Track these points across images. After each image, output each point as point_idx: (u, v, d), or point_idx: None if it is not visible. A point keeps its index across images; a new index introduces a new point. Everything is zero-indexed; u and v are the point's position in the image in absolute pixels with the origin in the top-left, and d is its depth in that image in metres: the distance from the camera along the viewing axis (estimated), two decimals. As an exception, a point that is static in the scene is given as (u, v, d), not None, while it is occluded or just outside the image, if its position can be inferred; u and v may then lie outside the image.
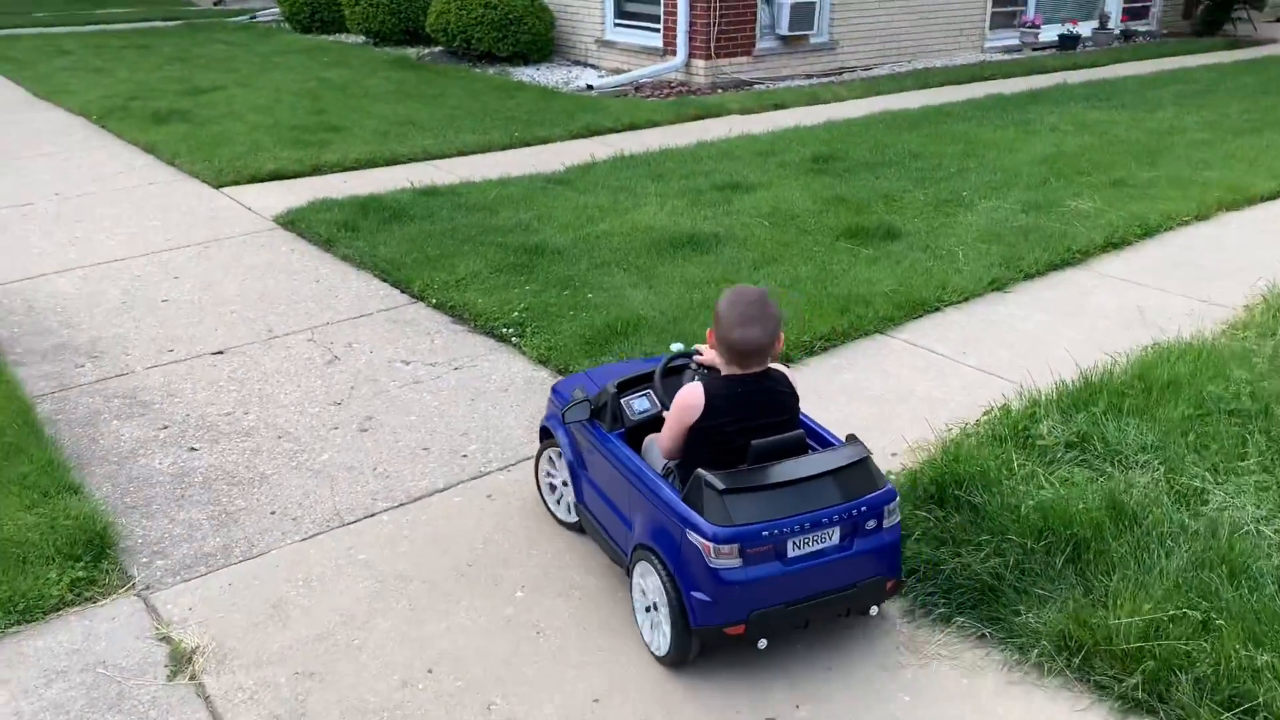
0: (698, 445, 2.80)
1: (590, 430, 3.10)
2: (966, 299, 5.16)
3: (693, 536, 2.58)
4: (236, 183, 7.47)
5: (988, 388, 4.25)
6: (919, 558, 3.05)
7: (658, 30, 11.71)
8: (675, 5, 11.20)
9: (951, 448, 3.48)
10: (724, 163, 7.80)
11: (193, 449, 3.88)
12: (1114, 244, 5.95)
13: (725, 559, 2.54)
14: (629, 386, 3.13)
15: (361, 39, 14.73)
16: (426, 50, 13.61)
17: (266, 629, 2.91)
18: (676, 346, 4.20)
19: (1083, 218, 6.30)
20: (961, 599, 2.93)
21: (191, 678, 2.72)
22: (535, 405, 4.16)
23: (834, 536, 2.64)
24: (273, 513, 3.46)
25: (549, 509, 3.44)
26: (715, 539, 2.54)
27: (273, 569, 3.17)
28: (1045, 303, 5.17)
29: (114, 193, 7.31)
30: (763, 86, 11.29)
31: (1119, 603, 2.75)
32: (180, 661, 2.77)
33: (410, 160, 8.13)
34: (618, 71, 11.99)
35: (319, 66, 12.43)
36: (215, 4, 21.46)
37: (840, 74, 12.12)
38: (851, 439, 2.83)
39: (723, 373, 2.84)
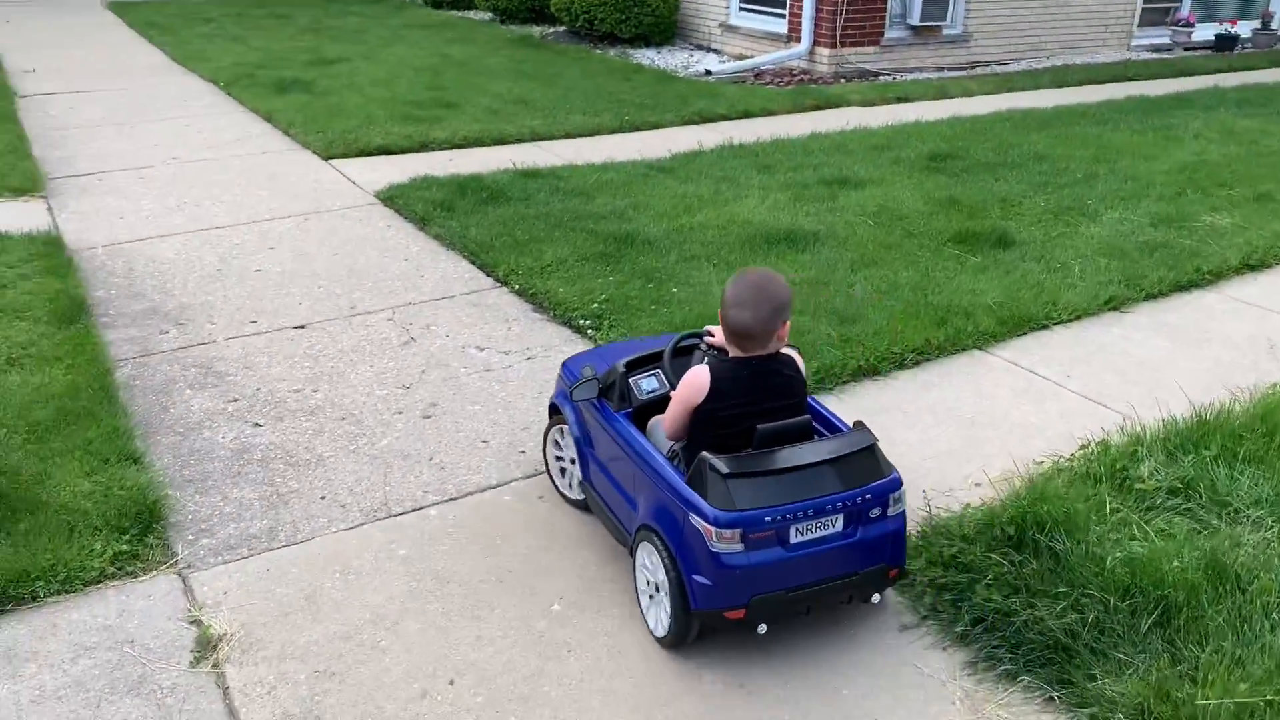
0: (702, 427, 2.76)
1: (598, 409, 3.08)
2: (1078, 317, 4.80)
3: (695, 520, 2.56)
4: (345, 155, 7.53)
5: (1089, 417, 3.92)
6: (988, 605, 2.79)
7: (782, 16, 11.40)
8: (802, -9, 10.87)
9: (1038, 484, 3.20)
10: (835, 156, 7.51)
11: (257, 425, 3.86)
12: (1250, 266, 5.47)
13: (727, 543, 2.53)
14: (638, 366, 3.12)
15: (489, 16, 14.81)
16: (551, 29, 13.58)
17: (296, 621, 2.85)
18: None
19: (1218, 235, 5.81)
20: (1030, 656, 2.67)
21: (214, 666, 2.68)
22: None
23: (838, 523, 2.61)
24: (323, 498, 3.41)
25: (555, 486, 3.42)
26: (717, 523, 2.52)
27: (313, 557, 3.11)
28: (1165, 327, 4.77)
29: (228, 159, 7.45)
30: (888, 78, 10.87)
31: (1210, 679, 2.45)
32: (206, 648, 2.73)
33: (518, 140, 8.07)
34: (740, 57, 11.72)
35: (443, 42, 12.52)
36: (356, -23, 21.92)
37: (973, 68, 11.59)
38: (859, 425, 2.79)
39: (729, 355, 2.80)
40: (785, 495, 2.56)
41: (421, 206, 6.14)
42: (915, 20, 11.13)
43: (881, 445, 2.76)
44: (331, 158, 7.49)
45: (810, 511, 2.56)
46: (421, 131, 8.03)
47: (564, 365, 3.44)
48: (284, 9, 15.56)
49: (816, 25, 10.94)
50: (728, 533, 2.52)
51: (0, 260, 5.27)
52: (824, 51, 10.94)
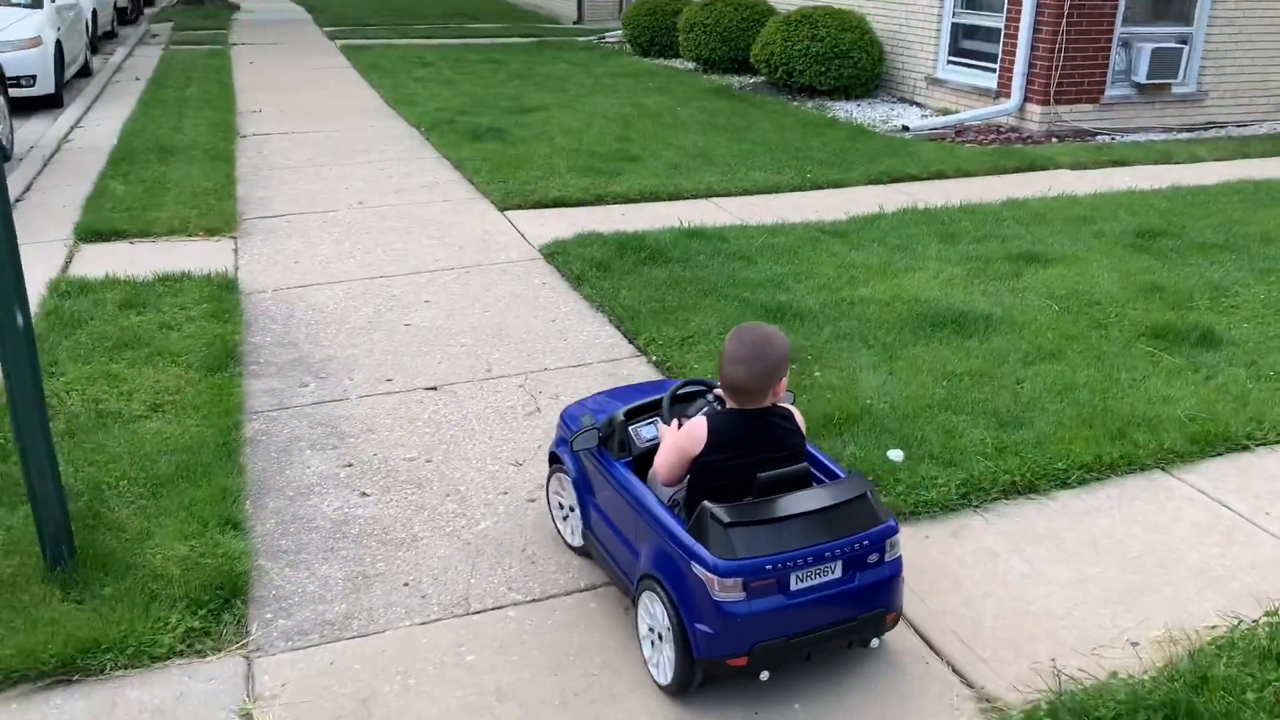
0: (701, 477, 2.82)
1: (598, 458, 3.12)
2: (1291, 439, 4.12)
3: (697, 569, 2.59)
4: (520, 207, 7.57)
5: (1289, 570, 3.30)
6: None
7: (992, 70, 10.77)
8: (1015, 44, 10.24)
9: (1202, 659, 2.67)
10: (1029, 227, 6.92)
11: (364, 494, 3.80)
12: None
13: (729, 592, 2.55)
14: (637, 414, 3.17)
15: (693, 65, 14.82)
16: (750, 80, 13.42)
17: (345, 726, 2.70)
18: (895, 455, 3.61)
19: None
20: None
21: (251, 768, 2.56)
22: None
23: (836, 570, 2.65)
24: (406, 584, 3.28)
25: (558, 531, 3.49)
26: (719, 572, 2.55)
27: (378, 654, 2.96)
28: (1405, 458, 4.02)
29: (409, 206, 7.64)
30: (1105, 139, 10.06)
31: None
32: (247, 747, 2.62)
33: (692, 196, 7.90)
34: (944, 112, 11.16)
35: (641, 91, 12.58)
36: (575, 22, 22.58)
37: (1205, 130, 10.57)
38: (854, 473, 2.85)
39: (727, 406, 2.88)
40: (785, 543, 2.60)
41: (579, 265, 6.04)
42: (1141, 77, 10.26)
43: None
44: (507, 208, 7.54)
45: (810, 559, 2.60)
46: (599, 185, 7.99)
47: (563, 414, 3.47)
48: (500, 54, 16.13)
49: (1029, 80, 10.27)
50: (729, 581, 2.54)
51: (175, 301, 5.52)
52: (1035, 108, 10.24)
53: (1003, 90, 10.57)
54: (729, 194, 7.97)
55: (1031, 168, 8.86)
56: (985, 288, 5.69)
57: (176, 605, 3.05)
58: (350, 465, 4.00)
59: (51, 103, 11.90)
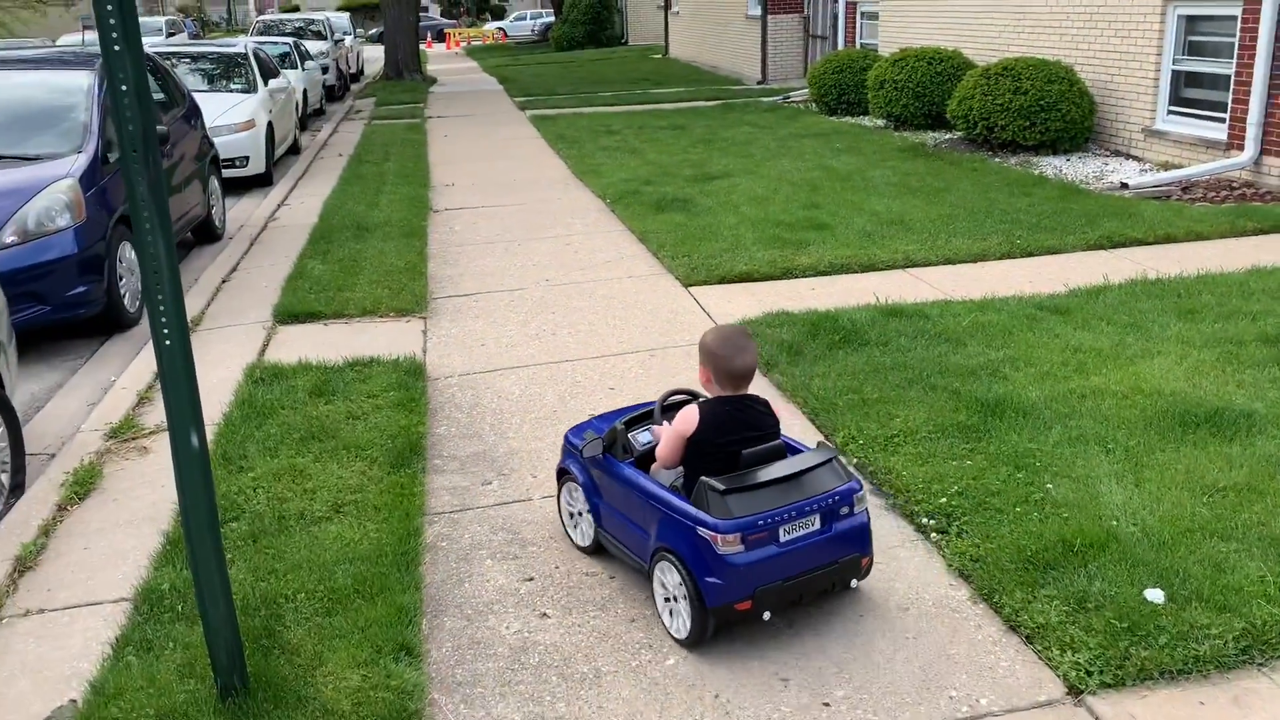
0: (694, 456, 3.31)
1: (605, 462, 3.63)
2: None
3: (703, 531, 3.10)
4: (705, 282, 7.29)
5: None
6: None
7: (1221, 120, 9.83)
8: (1248, 91, 9.30)
9: None
10: (1284, 302, 6.10)
11: (544, 615, 3.52)
12: None
13: (730, 546, 3.07)
14: (634, 424, 3.72)
15: (882, 122, 14.32)
16: (945, 137, 12.81)
17: None
18: (1154, 595, 3.09)
19: None
20: None
21: None
22: (933, 647, 3.25)
23: (816, 522, 3.19)
24: (587, 731, 2.96)
25: (568, 535, 3.95)
26: (720, 530, 3.07)
27: (557, 820, 2.64)
28: None
29: (593, 284, 7.49)
30: (1361, 192, 8.95)
31: None
32: None
33: (888, 267, 7.43)
34: (1166, 166, 10.26)
35: (829, 153, 12.18)
36: (759, 82, 22.47)
37: None
38: (821, 445, 3.45)
39: (712, 395, 3.40)
40: (772, 502, 3.13)
41: (768, 348, 5.68)
42: (1402, 121, 9.12)
43: None
44: (692, 284, 7.28)
45: (794, 513, 3.14)
46: (787, 257, 7.63)
47: (566, 437, 3.99)
48: (683, 120, 16.10)
49: (1265, 131, 9.29)
50: (731, 536, 3.06)
51: (364, 389, 5.48)
52: (1274, 161, 9.24)
53: (1234, 142, 9.61)
54: (929, 264, 7.46)
55: (1276, 229, 7.94)
56: (1240, 377, 4.97)
57: (343, 750, 2.83)
58: (531, 580, 3.74)
59: (262, 181, 12.57)
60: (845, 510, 3.23)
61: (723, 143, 13.50)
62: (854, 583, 3.33)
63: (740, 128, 14.88)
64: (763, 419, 3.38)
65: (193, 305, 7.34)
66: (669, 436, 3.36)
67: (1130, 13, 10.87)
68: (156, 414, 5.43)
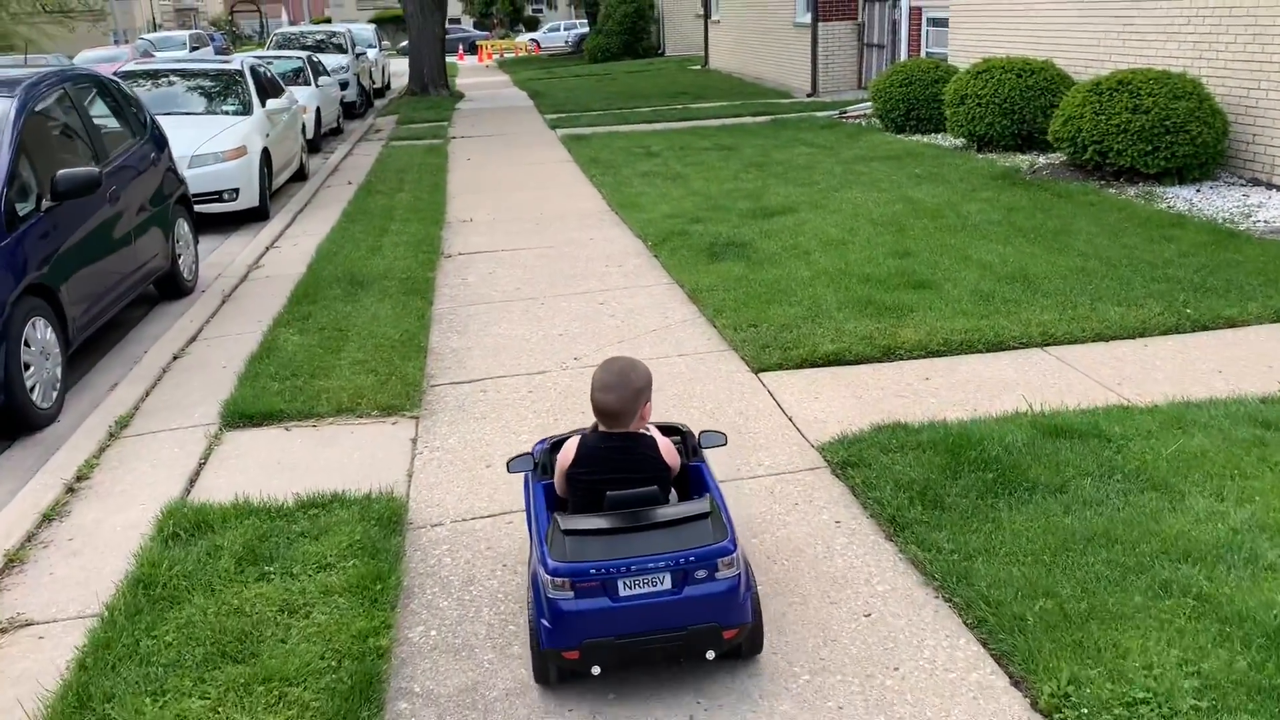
0: (570, 490, 3.21)
1: (525, 480, 3.57)
2: None
3: (539, 569, 2.92)
4: (781, 365, 5.60)
5: None
6: None
7: (1406, 144, 8.01)
8: None
9: None
10: None
11: None
12: None
13: (559, 590, 2.85)
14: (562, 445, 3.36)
15: (961, 142, 12.55)
16: (1042, 160, 11.04)
17: None
18: None
19: None
20: None
21: None
22: None
23: (665, 581, 2.86)
24: None
25: None
26: (549, 571, 2.86)
27: None
28: None
29: (636, 366, 5.81)
30: None
31: None
32: None
33: (1021, 344, 5.70)
34: (1326, 199, 8.45)
35: (907, 180, 10.45)
36: (809, 95, 20.74)
37: None
38: (703, 498, 3.06)
39: (598, 430, 3.21)
40: (616, 553, 2.86)
41: (890, 493, 3.97)
42: None
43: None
44: (763, 369, 5.59)
45: (633, 568, 2.84)
46: (886, 330, 5.92)
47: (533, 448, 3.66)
48: (730, 139, 14.43)
49: None
50: (559, 580, 2.85)
51: (315, 553, 3.85)
52: None
53: None
54: (1074, 340, 5.72)
55: None
56: None
57: None
58: None
59: (257, 215, 11.05)
60: (703, 574, 2.88)
61: (778, 167, 11.80)
62: (710, 654, 2.94)
63: (796, 148, 13.18)
64: (642, 460, 3.16)
65: (128, 395, 5.76)
66: (557, 468, 3.28)
67: (1273, 13, 9.06)
68: (25, 593, 3.83)
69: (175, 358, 6.41)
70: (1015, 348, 5.69)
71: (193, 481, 4.67)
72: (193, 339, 6.82)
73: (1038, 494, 3.87)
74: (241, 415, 5.30)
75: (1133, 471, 4.00)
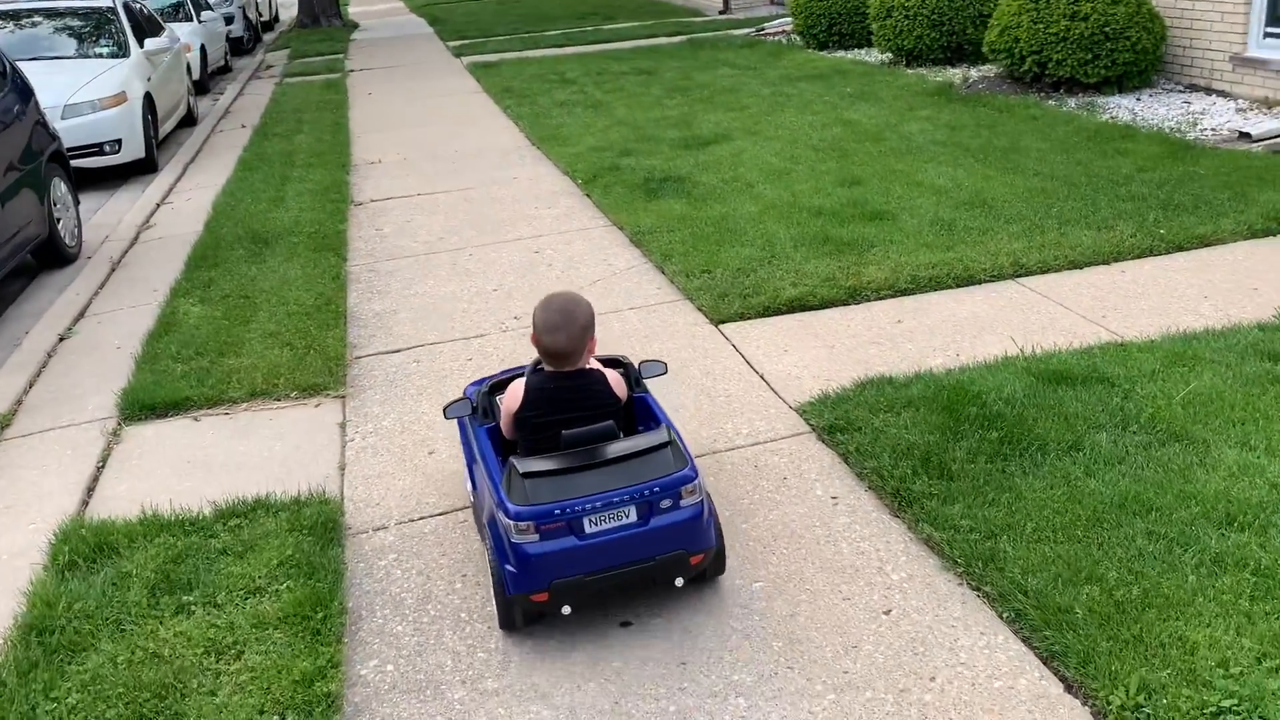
0: (521, 433, 3.09)
1: (461, 425, 3.53)
2: None
3: (500, 515, 2.82)
4: (743, 315, 5.15)
5: None
6: None
7: (1352, 43, 7.80)
8: (1395, 5, 7.27)
9: None
10: None
11: None
12: None
13: (524, 535, 2.78)
14: (501, 387, 3.33)
15: (889, 57, 12.11)
16: (975, 73, 10.66)
17: None
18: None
19: None
20: None
21: None
22: None
23: (631, 514, 2.82)
24: None
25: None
26: (512, 516, 2.78)
27: None
28: None
29: (583, 322, 5.30)
30: None
31: None
32: None
33: (993, 277, 5.34)
34: (1269, 104, 8.24)
35: (840, 100, 9.98)
36: (721, 12, 20.05)
37: None
38: (660, 427, 3.02)
39: (545, 370, 3.08)
40: (578, 490, 2.79)
41: (889, 461, 3.57)
42: None
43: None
44: (723, 320, 5.13)
45: (599, 505, 2.78)
46: (847, 268, 5.50)
47: (465, 390, 3.64)
48: (648, 62, 13.77)
49: None
50: (523, 524, 2.77)
51: (240, 575, 3.32)
52: None
53: (1369, 69, 7.60)
54: (1048, 269, 5.38)
55: None
56: None
57: None
58: None
59: (144, 168, 10.11)
60: (668, 503, 2.85)
61: (703, 91, 11.23)
62: (679, 581, 2.94)
63: (718, 70, 12.60)
64: (594, 397, 3.08)
65: (7, 387, 5.07)
66: (504, 412, 3.18)
67: (1211, -90, 8.73)
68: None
69: (61, 339, 5.69)
70: (986, 281, 5.32)
71: (90, 491, 4.07)
72: (80, 315, 6.09)
73: (1051, 454, 3.51)
74: (142, 405, 4.67)
75: (1148, 421, 3.66)
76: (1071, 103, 8.98)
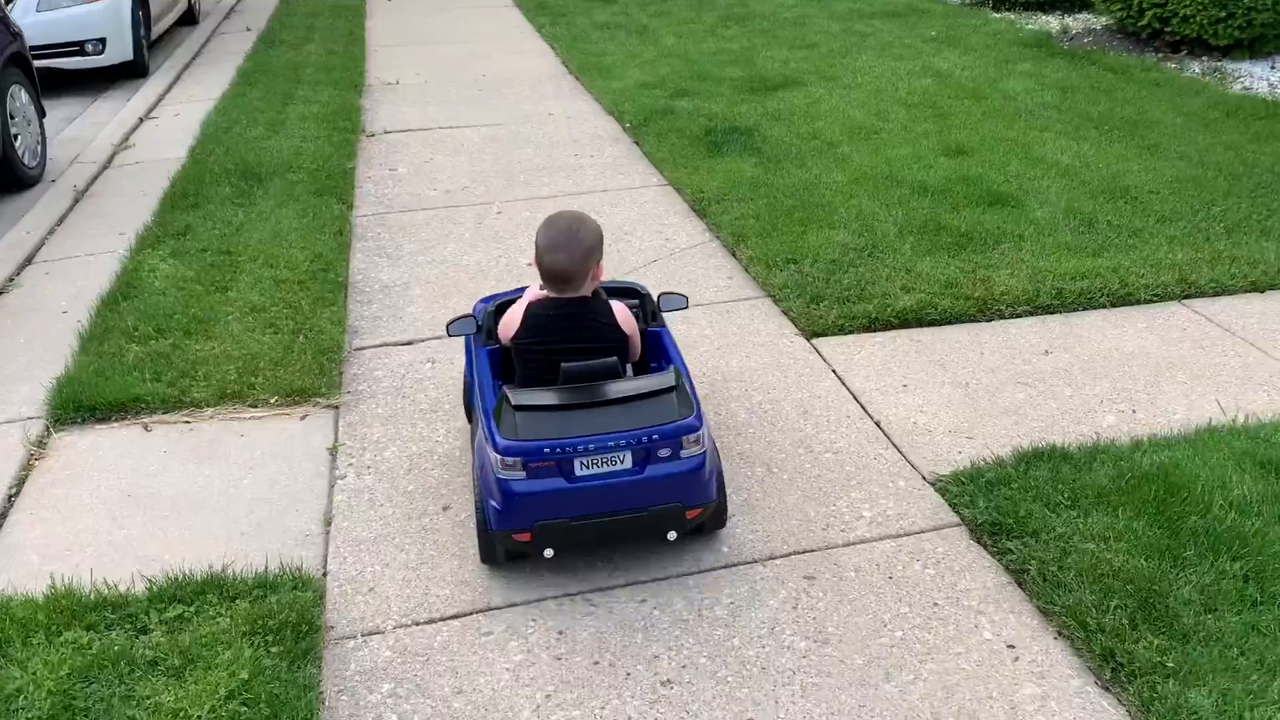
0: (518, 362, 2.88)
1: (467, 342, 3.22)
2: None
3: (488, 447, 2.65)
4: (842, 329, 4.08)
5: None
6: None
7: None
8: None
9: None
10: None
11: None
12: None
13: (510, 471, 2.61)
14: (508, 307, 3.06)
15: (970, -4, 10.78)
16: (1073, 22, 9.39)
17: None
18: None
19: None
20: None
21: None
22: None
23: (625, 460, 2.64)
24: None
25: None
26: (499, 451, 2.61)
27: None
28: None
29: (640, 320, 4.25)
30: None
31: None
32: None
33: (1154, 296, 4.26)
34: None
35: (924, 46, 8.74)
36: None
37: None
38: (668, 369, 2.80)
39: (548, 296, 2.85)
40: (571, 430, 2.61)
41: (1089, 597, 2.54)
42: None
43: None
44: (817, 333, 4.07)
45: (592, 447, 2.60)
46: (971, 271, 4.42)
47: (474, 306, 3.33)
48: (697, -17, 12.39)
49: None
50: (510, 460, 2.60)
51: (171, 704, 2.33)
52: None
53: None
54: (1221, 290, 4.30)
55: None
56: None
57: None
58: None
59: (134, 71, 8.94)
60: (666, 452, 2.62)
61: (762, 21, 9.94)
62: (672, 535, 2.71)
63: (778, -2, 11.27)
64: (598, 329, 2.83)
65: (-82, 361, 4.04)
66: (500, 335, 2.95)
67: None
68: None
69: (0, 291, 4.66)
70: (1147, 301, 4.25)
71: (-11, 545, 3.06)
72: (27, 260, 5.05)
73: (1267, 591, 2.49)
74: (80, 405, 3.65)
75: None
76: (1195, 67, 7.76)
